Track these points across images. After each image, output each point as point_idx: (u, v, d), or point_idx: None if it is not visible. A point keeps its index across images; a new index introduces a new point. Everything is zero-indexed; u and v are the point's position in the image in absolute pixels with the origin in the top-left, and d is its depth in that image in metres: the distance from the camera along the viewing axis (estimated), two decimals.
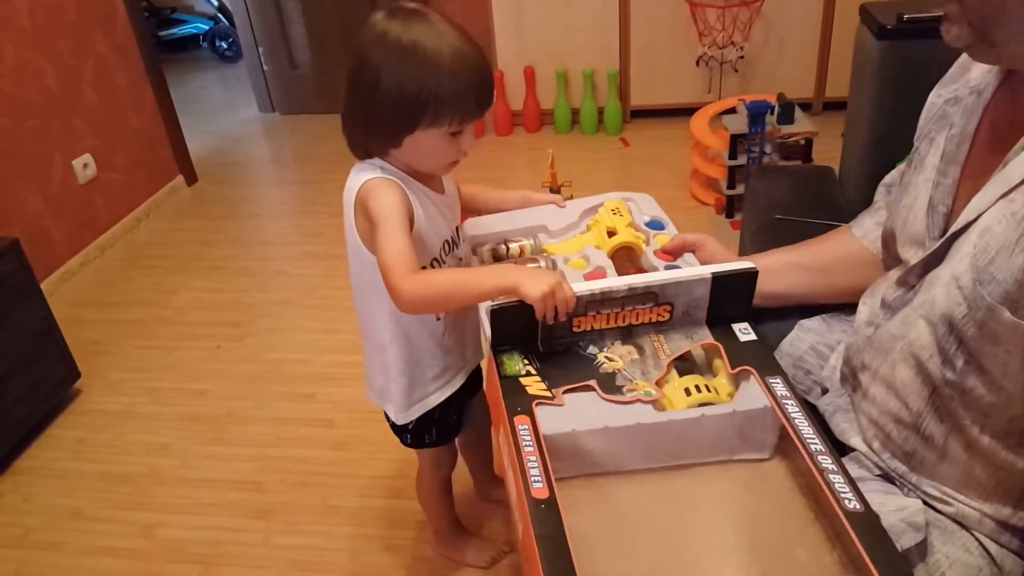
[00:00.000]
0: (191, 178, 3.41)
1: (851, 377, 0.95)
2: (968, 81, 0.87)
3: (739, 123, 2.60)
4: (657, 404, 0.83)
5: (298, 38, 3.94)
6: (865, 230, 1.09)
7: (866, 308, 0.97)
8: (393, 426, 1.27)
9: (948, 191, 0.82)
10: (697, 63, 3.35)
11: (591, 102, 3.49)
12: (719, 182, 2.79)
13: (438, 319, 1.14)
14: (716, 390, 0.86)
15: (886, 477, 0.87)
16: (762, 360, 0.87)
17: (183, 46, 5.38)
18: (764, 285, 0.98)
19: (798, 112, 2.57)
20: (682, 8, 3.24)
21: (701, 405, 0.83)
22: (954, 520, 0.82)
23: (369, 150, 1.03)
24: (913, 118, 1.00)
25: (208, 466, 1.88)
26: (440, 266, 1.10)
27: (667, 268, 1.04)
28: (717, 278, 0.89)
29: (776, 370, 0.86)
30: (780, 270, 1.10)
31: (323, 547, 1.62)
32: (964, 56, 0.91)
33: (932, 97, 0.93)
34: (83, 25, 2.74)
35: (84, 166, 2.75)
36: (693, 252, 1.09)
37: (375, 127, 0.98)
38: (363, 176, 1.01)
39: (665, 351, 0.90)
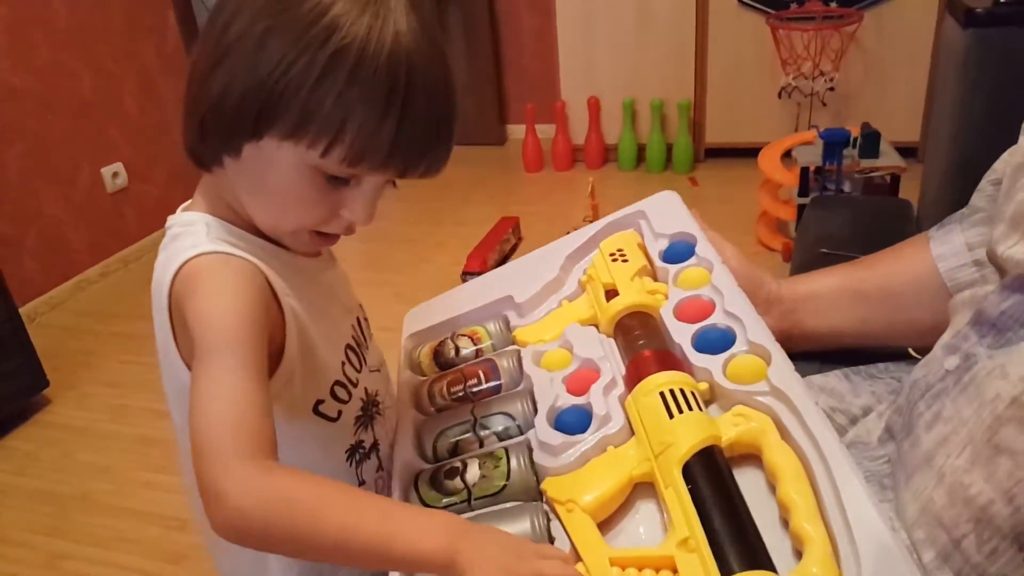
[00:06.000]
0: None
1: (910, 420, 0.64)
2: None
3: (813, 155, 2.22)
4: None
5: None
6: (946, 249, 0.76)
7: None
8: None
9: None
10: (779, 95, 2.98)
11: (659, 137, 3.18)
12: (788, 225, 2.40)
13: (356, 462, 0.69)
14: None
15: None
16: None
17: None
18: (806, 320, 0.81)
19: (884, 144, 2.16)
20: (767, 38, 2.90)
21: None
22: None
23: (198, 153, 0.59)
24: (1012, 125, 0.70)
25: (142, 496, 1.68)
26: (350, 391, 0.66)
27: (696, 348, 0.65)
28: None
29: None
30: (828, 298, 0.82)
31: None
32: None
33: None
34: (129, 33, 2.72)
35: (114, 175, 2.69)
36: None
37: (208, 110, 0.55)
38: (181, 249, 0.56)
39: None
